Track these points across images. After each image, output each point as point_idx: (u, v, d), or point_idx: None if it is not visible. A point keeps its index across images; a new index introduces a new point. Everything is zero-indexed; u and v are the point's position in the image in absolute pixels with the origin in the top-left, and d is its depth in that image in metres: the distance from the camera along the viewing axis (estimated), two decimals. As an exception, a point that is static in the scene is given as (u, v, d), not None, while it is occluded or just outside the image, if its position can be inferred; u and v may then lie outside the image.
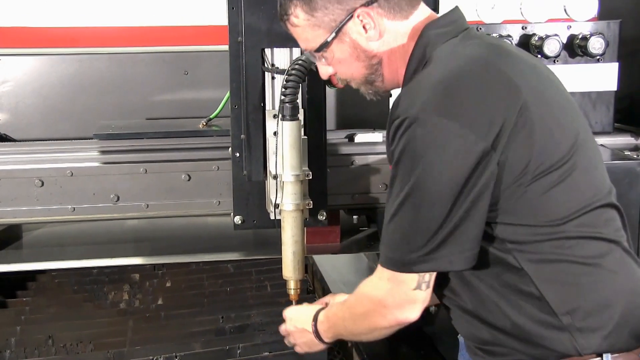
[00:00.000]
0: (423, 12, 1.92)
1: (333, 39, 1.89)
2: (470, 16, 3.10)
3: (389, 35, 1.88)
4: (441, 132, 1.65)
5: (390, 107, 1.82)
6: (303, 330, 2.22)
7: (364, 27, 1.86)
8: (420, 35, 1.87)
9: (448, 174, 1.66)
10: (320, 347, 2.20)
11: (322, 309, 2.20)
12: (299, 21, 1.90)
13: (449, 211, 1.69)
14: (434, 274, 1.82)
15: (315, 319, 2.17)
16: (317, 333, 2.17)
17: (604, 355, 1.77)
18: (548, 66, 2.05)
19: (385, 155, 2.72)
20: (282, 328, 2.32)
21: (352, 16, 1.86)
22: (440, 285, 1.91)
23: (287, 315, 2.31)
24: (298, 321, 2.24)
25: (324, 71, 2.00)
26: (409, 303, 1.83)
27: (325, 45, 1.90)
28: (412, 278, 1.80)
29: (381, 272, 1.84)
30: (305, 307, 2.30)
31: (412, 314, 1.84)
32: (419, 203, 1.70)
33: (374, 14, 1.86)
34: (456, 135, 1.65)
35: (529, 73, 1.80)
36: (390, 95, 2.09)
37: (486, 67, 1.75)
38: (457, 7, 1.96)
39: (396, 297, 1.83)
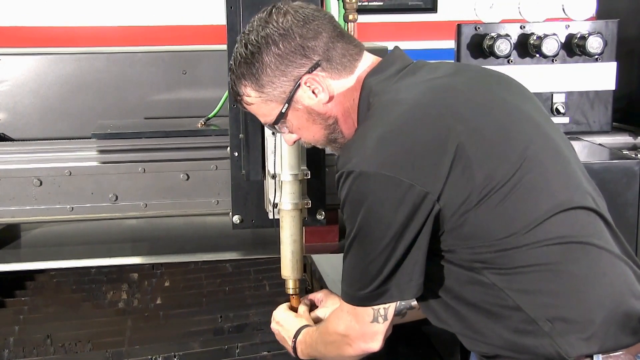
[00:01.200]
0: (366, 62, 2.00)
1: (287, 109, 1.97)
2: (469, 15, 3.11)
3: (339, 93, 1.96)
4: (378, 184, 1.76)
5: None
6: (284, 339, 2.35)
7: (313, 92, 1.95)
8: (362, 86, 1.95)
9: (385, 220, 1.77)
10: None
11: (305, 326, 2.31)
12: (252, 99, 1.98)
13: (391, 250, 1.80)
14: (391, 306, 1.96)
15: (296, 335, 2.29)
16: (294, 349, 2.29)
17: (595, 357, 1.79)
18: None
19: None
20: (272, 325, 2.42)
21: (299, 84, 1.94)
22: (427, 313, 2.00)
23: (275, 317, 2.41)
24: (282, 328, 2.36)
25: (289, 138, 2.08)
26: (369, 335, 1.97)
27: (281, 117, 1.99)
28: (367, 312, 1.94)
29: (342, 305, 2.01)
30: (292, 317, 2.39)
31: (374, 344, 1.99)
32: (363, 245, 1.83)
33: (319, 78, 1.94)
34: (392, 185, 1.74)
35: (469, 106, 1.85)
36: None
37: (421, 115, 1.82)
38: (396, 47, 2.06)
39: (357, 329, 1.98)
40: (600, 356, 1.79)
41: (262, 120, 2.04)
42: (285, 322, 2.37)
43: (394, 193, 1.75)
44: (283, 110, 1.97)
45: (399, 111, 1.82)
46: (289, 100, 1.96)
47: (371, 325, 1.96)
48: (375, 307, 1.93)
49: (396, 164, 1.75)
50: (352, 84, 1.97)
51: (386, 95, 1.89)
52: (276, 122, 2.00)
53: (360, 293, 1.88)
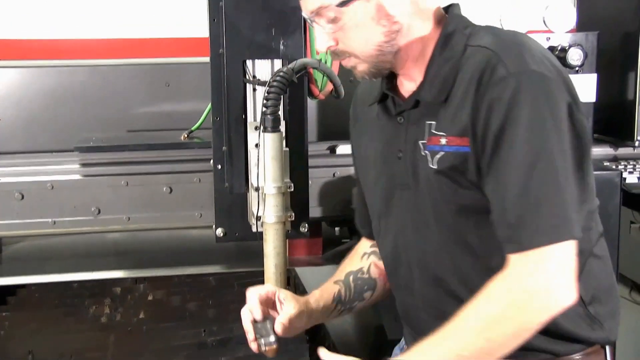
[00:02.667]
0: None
1: None
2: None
3: (417, 7, 1.80)
4: (557, 85, 1.66)
5: (481, 70, 1.70)
6: None
7: None
8: (449, 12, 1.86)
9: (566, 125, 1.65)
10: None
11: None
12: None
13: (577, 167, 1.68)
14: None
15: None
16: None
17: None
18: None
19: None
20: None
21: None
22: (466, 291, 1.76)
23: None
24: None
25: (324, 42, 1.82)
26: (568, 280, 1.63)
27: (348, 1, 1.75)
28: (568, 247, 1.64)
29: (520, 259, 1.64)
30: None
31: (573, 293, 1.64)
32: (555, 160, 1.63)
33: None
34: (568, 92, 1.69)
35: None
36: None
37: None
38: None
39: (551, 277, 1.62)
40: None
41: (317, 2, 1.77)
42: None
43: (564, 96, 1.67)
44: None
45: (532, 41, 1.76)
46: None
47: (571, 266, 1.63)
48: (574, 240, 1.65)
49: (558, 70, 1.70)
50: (434, 8, 1.83)
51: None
52: (341, 5, 1.74)
53: (565, 221, 1.62)
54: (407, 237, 1.92)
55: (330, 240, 3.02)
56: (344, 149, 2.89)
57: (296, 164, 2.48)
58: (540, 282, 1.61)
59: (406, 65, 1.86)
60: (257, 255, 2.42)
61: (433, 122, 1.78)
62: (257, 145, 2.33)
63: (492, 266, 1.70)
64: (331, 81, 2.51)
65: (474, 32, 1.79)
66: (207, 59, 2.49)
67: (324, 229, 2.99)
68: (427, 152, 1.79)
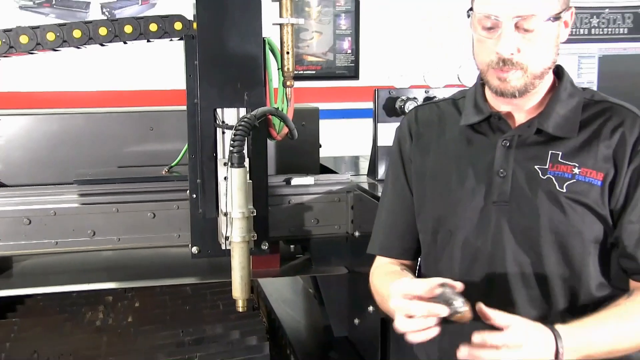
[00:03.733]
0: None
1: (563, 11, 1.65)
2: (384, 82, 3.16)
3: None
4: None
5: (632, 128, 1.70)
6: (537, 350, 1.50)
7: (565, 23, 1.69)
8: (561, 69, 1.81)
9: None
10: None
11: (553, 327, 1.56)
12: None
13: None
14: None
15: (558, 337, 1.53)
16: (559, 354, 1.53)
17: None
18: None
19: (316, 196, 2.82)
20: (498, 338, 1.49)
21: (569, 8, 1.69)
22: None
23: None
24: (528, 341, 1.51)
25: (511, 47, 1.62)
26: None
27: (558, 16, 1.63)
28: None
29: None
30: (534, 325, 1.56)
31: None
32: None
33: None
34: None
35: None
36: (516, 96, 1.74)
37: None
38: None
39: None
40: None
41: (534, 8, 1.60)
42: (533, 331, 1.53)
43: None
44: (561, 12, 1.64)
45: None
46: (565, 10, 1.66)
47: None
48: None
49: None
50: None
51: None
52: (555, 18, 1.63)
53: None
54: (499, 253, 1.73)
55: (286, 256, 2.99)
56: (297, 180, 2.86)
57: (258, 193, 2.47)
58: None
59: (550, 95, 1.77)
60: (226, 269, 2.41)
61: (558, 152, 1.71)
62: (225, 178, 2.33)
63: (595, 294, 1.68)
64: (287, 125, 2.52)
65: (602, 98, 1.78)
66: (184, 107, 2.49)
67: (281, 247, 2.98)
68: (551, 176, 1.70)
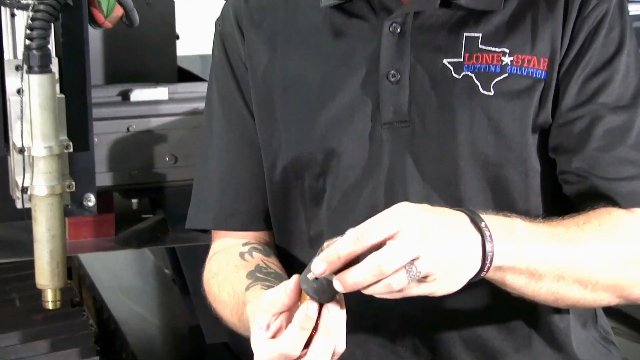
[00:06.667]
0: None
1: None
2: None
3: None
4: None
5: None
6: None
7: None
8: None
9: None
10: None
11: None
12: None
13: None
14: None
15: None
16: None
17: None
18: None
19: (171, 119, 2.83)
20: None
21: None
22: None
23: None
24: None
25: None
26: None
27: None
28: None
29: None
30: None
31: None
32: None
33: None
34: None
35: None
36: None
37: None
38: None
39: None
40: None
41: None
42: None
43: None
44: None
45: None
46: None
47: None
48: None
49: None
50: None
51: None
52: None
53: None
54: (407, 191, 1.75)
55: (125, 217, 2.98)
56: (141, 94, 2.86)
57: (76, 115, 2.47)
58: None
59: None
60: (24, 241, 2.43)
61: (477, 35, 1.76)
62: (19, 91, 2.32)
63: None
64: (120, 3, 2.50)
65: None
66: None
67: (116, 202, 2.96)
68: (469, 73, 1.74)
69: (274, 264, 1.86)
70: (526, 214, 1.68)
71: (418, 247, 1.38)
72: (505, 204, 1.73)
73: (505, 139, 1.72)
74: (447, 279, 1.43)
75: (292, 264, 1.87)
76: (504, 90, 1.72)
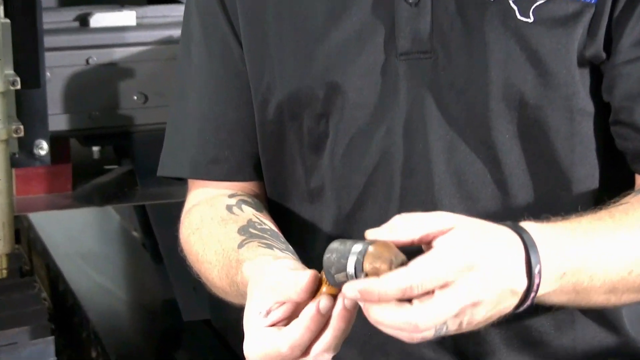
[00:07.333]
0: None
1: None
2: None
3: None
4: None
5: None
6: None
7: None
8: None
9: None
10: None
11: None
12: None
13: None
14: None
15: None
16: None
17: None
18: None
19: (140, 49, 2.82)
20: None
21: None
22: None
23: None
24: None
25: None
26: None
27: None
28: None
29: None
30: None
31: None
32: None
33: None
34: None
35: None
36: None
37: None
38: None
39: None
40: None
41: None
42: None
43: None
44: None
45: None
46: None
47: None
48: None
49: None
50: None
51: None
52: None
53: None
54: (417, 150, 1.74)
55: (84, 168, 2.94)
56: (103, 19, 2.81)
57: (24, 45, 2.46)
58: None
59: None
60: None
61: None
62: None
63: (574, 187, 1.73)
64: None
65: None
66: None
67: (74, 151, 2.91)
68: None
69: (267, 219, 1.83)
70: (569, 167, 1.73)
71: (465, 309, 1.39)
72: (544, 155, 1.73)
73: (547, 75, 1.70)
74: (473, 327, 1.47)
75: (287, 221, 1.84)
76: (546, 17, 1.69)
